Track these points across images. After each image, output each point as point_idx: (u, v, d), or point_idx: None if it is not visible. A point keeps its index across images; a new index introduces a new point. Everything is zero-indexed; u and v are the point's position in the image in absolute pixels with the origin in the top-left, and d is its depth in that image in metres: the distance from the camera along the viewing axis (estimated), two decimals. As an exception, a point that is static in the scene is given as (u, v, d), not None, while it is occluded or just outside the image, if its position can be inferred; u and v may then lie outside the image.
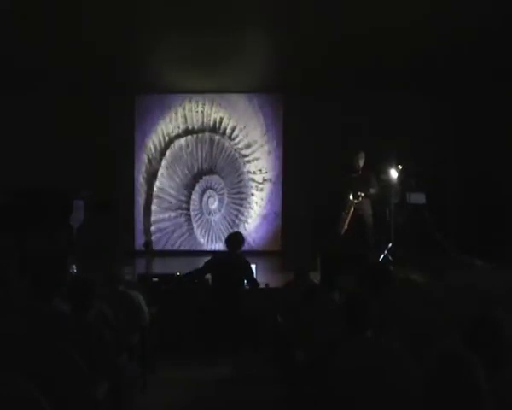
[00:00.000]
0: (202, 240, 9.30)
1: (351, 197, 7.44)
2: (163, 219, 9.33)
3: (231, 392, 4.74)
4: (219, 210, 9.32)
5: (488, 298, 3.87)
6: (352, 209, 7.44)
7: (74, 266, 5.83)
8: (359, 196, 7.40)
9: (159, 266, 7.88)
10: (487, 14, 6.49)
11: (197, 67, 8.08)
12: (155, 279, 6.23)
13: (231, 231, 8.38)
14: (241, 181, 9.31)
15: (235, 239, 5.95)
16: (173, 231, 9.32)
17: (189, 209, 9.33)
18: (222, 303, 5.59)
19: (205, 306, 5.70)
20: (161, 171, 9.32)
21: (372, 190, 7.46)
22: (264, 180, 9.30)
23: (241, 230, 9.02)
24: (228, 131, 9.31)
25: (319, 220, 8.38)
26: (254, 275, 5.89)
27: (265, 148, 9.30)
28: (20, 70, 7.95)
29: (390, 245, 7.57)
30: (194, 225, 9.32)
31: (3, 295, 3.73)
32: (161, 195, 9.34)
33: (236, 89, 9.07)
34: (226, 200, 9.32)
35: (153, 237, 9.27)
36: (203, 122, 9.30)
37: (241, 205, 9.32)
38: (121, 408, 3.30)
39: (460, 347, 2.23)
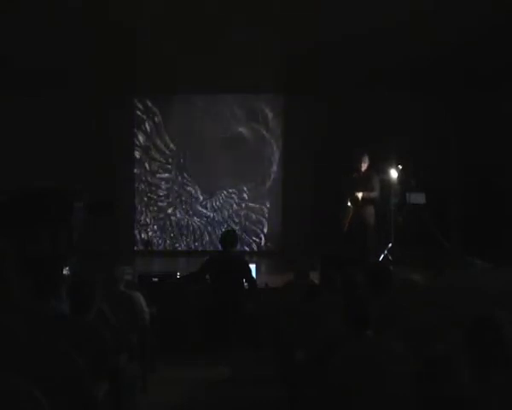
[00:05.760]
0: (202, 240, 9.30)
1: (349, 204, 7.23)
2: (163, 219, 9.33)
3: (231, 392, 4.73)
4: (219, 210, 9.32)
5: (488, 298, 3.87)
6: (352, 211, 7.35)
7: (67, 268, 5.81)
8: (357, 201, 7.22)
9: (159, 266, 7.88)
10: (487, 13, 6.50)
11: (197, 68, 8.07)
12: (155, 279, 6.22)
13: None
14: (241, 181, 9.30)
15: (229, 237, 5.95)
16: (173, 231, 9.32)
17: (189, 209, 9.32)
18: (222, 303, 5.59)
19: (205, 306, 5.70)
20: (161, 171, 9.32)
21: (374, 194, 7.21)
22: (265, 180, 9.30)
23: (242, 230, 9.04)
24: (228, 131, 9.30)
25: (319, 220, 8.39)
26: (253, 275, 5.89)
27: (266, 148, 9.29)
28: (20, 70, 7.95)
29: (390, 245, 7.57)
30: (194, 224, 9.32)
31: (3, 296, 3.73)
32: (161, 194, 9.34)
33: (236, 89, 9.07)
34: (226, 200, 9.32)
35: (153, 237, 9.27)
36: (204, 122, 9.29)
37: (241, 205, 9.31)
38: (121, 408, 3.30)
39: (447, 348, 2.24)
